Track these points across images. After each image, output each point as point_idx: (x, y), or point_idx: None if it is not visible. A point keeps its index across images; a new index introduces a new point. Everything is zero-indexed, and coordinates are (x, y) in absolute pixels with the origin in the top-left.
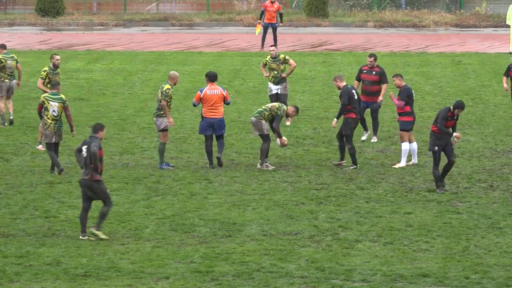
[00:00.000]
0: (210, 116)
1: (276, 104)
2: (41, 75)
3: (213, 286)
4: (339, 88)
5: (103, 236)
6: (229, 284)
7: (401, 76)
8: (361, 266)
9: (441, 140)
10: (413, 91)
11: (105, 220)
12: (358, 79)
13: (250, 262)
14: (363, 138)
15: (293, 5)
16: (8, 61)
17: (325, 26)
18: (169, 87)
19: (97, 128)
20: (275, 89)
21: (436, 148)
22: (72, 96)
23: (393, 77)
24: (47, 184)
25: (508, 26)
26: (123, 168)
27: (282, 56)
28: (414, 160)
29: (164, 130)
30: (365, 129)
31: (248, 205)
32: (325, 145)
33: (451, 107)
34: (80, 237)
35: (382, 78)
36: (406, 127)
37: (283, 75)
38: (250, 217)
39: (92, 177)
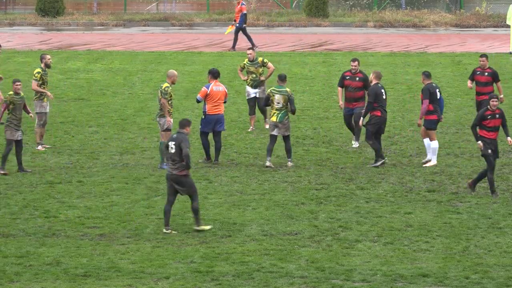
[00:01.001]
0: (214, 113)
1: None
2: (35, 77)
3: (213, 286)
4: (371, 82)
5: (207, 227)
6: (229, 284)
7: (425, 75)
8: (361, 266)
9: (490, 144)
10: (437, 90)
11: (199, 214)
12: (341, 85)
13: (250, 262)
14: (353, 145)
15: (293, 5)
16: None
17: (325, 26)
18: (168, 85)
19: (184, 123)
20: (253, 92)
21: (490, 151)
22: (72, 96)
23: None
24: (47, 184)
25: (508, 26)
26: (123, 168)
27: (260, 59)
28: (428, 157)
29: (167, 130)
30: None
31: (248, 205)
32: (325, 145)
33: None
34: (164, 230)
35: (366, 84)
36: (431, 126)
37: (262, 78)
38: (250, 217)
39: (181, 172)
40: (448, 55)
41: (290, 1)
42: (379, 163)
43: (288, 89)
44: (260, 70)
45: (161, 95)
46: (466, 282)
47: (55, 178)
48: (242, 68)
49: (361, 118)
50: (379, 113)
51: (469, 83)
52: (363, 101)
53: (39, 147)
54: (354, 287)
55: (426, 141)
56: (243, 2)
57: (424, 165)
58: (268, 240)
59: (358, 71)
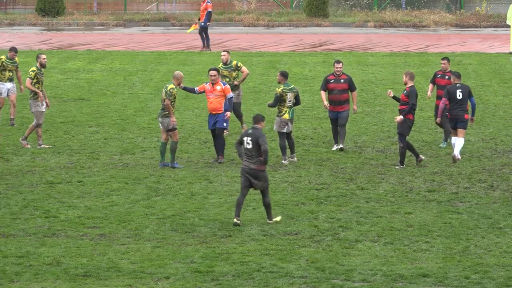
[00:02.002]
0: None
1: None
2: (30, 75)
3: (213, 286)
4: (405, 84)
5: (279, 219)
6: (229, 284)
7: (456, 75)
8: (361, 266)
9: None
10: (456, 90)
11: (271, 208)
12: (325, 89)
13: (250, 262)
14: (334, 148)
15: (293, 5)
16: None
17: (325, 26)
18: (173, 86)
19: (259, 119)
20: (228, 97)
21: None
22: (72, 96)
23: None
24: (47, 184)
25: (508, 26)
26: (123, 168)
27: (234, 62)
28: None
29: (173, 129)
30: (336, 141)
31: (248, 205)
32: (325, 145)
33: None
34: (234, 220)
35: (351, 85)
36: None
37: (235, 82)
38: (250, 217)
39: (259, 167)
40: (448, 55)
41: (290, 1)
42: (399, 167)
43: (293, 85)
44: (234, 74)
45: (166, 95)
46: (466, 282)
47: (55, 178)
48: (218, 72)
49: (401, 116)
50: (411, 117)
51: (430, 87)
52: (348, 104)
53: (43, 146)
54: (354, 287)
55: (458, 139)
56: (209, 0)
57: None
58: (268, 240)
59: (342, 73)
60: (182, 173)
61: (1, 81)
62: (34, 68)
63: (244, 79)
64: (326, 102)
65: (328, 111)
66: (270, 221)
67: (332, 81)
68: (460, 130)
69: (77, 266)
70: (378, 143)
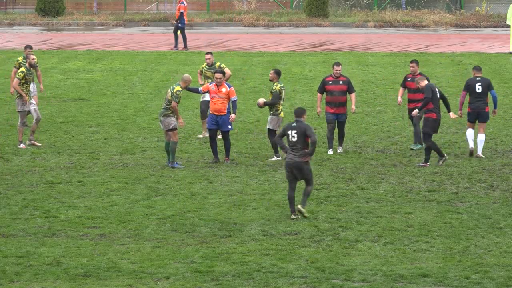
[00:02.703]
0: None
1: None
2: (19, 75)
3: (213, 286)
4: (421, 87)
5: (306, 214)
6: (229, 284)
7: (476, 69)
8: (361, 266)
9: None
10: (475, 84)
11: (308, 198)
12: (322, 91)
13: (250, 262)
14: (330, 152)
15: (293, 5)
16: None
17: (325, 26)
18: (180, 89)
19: (301, 112)
20: (208, 96)
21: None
22: (72, 96)
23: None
24: (47, 184)
25: (508, 26)
26: (123, 168)
27: (217, 64)
28: (479, 152)
29: (173, 129)
30: (331, 146)
31: (248, 205)
32: (325, 145)
33: None
34: (292, 216)
35: (349, 87)
36: (468, 118)
37: (202, 85)
38: (250, 217)
39: (304, 158)
40: (448, 55)
41: (290, 1)
42: (442, 161)
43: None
44: None
45: (172, 97)
46: (466, 282)
47: (55, 178)
48: (201, 72)
49: (417, 110)
50: (434, 116)
51: (400, 91)
52: (346, 107)
53: (22, 145)
54: (354, 287)
55: (479, 135)
56: (183, 1)
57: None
58: (268, 240)
59: (340, 75)
60: (182, 173)
61: None
62: (23, 69)
63: (226, 80)
64: (319, 109)
65: (326, 113)
66: (301, 208)
67: (331, 82)
68: (481, 124)
69: (77, 266)
70: (378, 143)
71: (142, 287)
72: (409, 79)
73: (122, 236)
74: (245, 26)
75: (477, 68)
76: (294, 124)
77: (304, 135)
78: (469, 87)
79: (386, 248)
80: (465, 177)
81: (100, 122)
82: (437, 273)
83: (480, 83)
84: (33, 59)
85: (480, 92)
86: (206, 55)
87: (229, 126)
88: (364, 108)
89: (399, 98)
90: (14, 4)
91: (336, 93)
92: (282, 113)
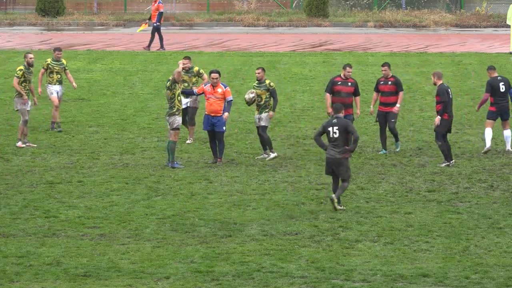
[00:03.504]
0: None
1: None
2: (17, 74)
3: (213, 286)
4: (435, 84)
5: (338, 207)
6: (229, 284)
7: (492, 69)
8: (361, 266)
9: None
10: (498, 83)
11: (344, 191)
12: (331, 91)
13: (250, 262)
14: None
15: (293, 5)
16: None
17: (325, 26)
18: (169, 78)
19: (340, 108)
20: (184, 102)
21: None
22: (72, 96)
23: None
24: (47, 184)
25: (508, 26)
26: (124, 168)
27: (196, 68)
28: (508, 147)
29: (176, 128)
30: None
31: (248, 205)
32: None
33: None
34: (338, 207)
35: (356, 89)
36: (489, 116)
37: (194, 88)
38: (250, 217)
39: (345, 155)
40: (448, 55)
41: (290, 1)
42: (445, 164)
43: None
44: (194, 79)
45: (167, 91)
46: (466, 282)
47: (55, 178)
48: None
49: (439, 117)
50: (446, 116)
51: (374, 96)
52: (352, 108)
53: (19, 143)
54: (354, 287)
55: (506, 132)
56: (160, 0)
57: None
58: (268, 240)
59: (349, 77)
60: (182, 173)
61: (51, 83)
62: (21, 67)
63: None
64: (330, 109)
65: (331, 115)
66: (334, 198)
67: (340, 83)
68: (505, 122)
69: (77, 266)
70: (378, 143)
71: (142, 287)
72: (381, 82)
73: (122, 236)
74: (245, 26)
75: (493, 68)
76: (334, 120)
77: (345, 131)
78: (492, 88)
79: (386, 248)
80: (465, 177)
81: (100, 122)
82: (437, 273)
83: (502, 83)
84: (31, 58)
85: (503, 92)
86: (184, 60)
87: (224, 128)
88: (364, 108)
89: (372, 108)
90: (14, 4)
91: (343, 94)
92: (271, 111)
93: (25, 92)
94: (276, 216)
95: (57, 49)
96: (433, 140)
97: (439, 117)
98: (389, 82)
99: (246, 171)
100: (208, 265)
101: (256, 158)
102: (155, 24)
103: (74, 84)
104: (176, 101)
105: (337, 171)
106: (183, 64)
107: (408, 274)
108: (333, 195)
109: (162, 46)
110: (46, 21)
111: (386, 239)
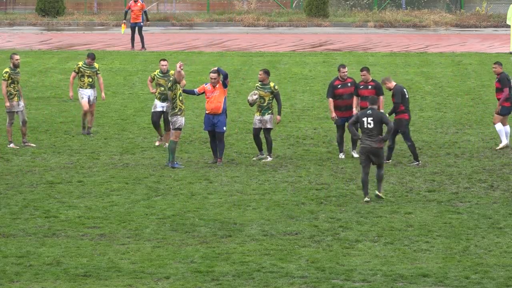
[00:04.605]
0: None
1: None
2: (3, 76)
3: (213, 286)
4: (390, 89)
5: (383, 196)
6: (229, 284)
7: (499, 64)
8: (361, 266)
9: None
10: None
11: (383, 182)
12: (333, 96)
13: (251, 262)
14: (341, 156)
15: (293, 5)
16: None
17: (325, 26)
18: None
19: (375, 100)
20: (160, 106)
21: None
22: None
23: (493, 64)
24: (47, 184)
25: (508, 26)
26: (124, 168)
27: (172, 72)
28: (505, 142)
29: (178, 129)
30: (342, 150)
31: (248, 205)
32: (325, 145)
33: None
34: (366, 199)
35: (356, 89)
36: (505, 112)
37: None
38: (250, 217)
39: (380, 144)
40: (448, 55)
41: (290, 1)
42: (415, 163)
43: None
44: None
45: (168, 91)
46: (466, 282)
47: (55, 178)
48: (152, 79)
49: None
50: (406, 116)
51: (355, 101)
52: (352, 110)
53: (11, 145)
54: (354, 287)
55: (498, 126)
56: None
57: (498, 149)
58: (268, 240)
59: (347, 77)
60: (182, 173)
61: (82, 87)
62: (7, 70)
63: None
64: (334, 114)
65: (335, 118)
66: (379, 193)
67: (340, 86)
68: (507, 117)
69: (77, 266)
70: None
71: (142, 287)
72: (361, 87)
73: (122, 236)
74: (245, 26)
75: (499, 63)
76: (369, 111)
77: (380, 122)
78: (509, 81)
79: (386, 248)
80: (465, 177)
81: (100, 122)
82: (437, 273)
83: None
84: (17, 59)
85: None
86: (162, 62)
87: (224, 128)
88: None
89: (354, 110)
90: (14, 4)
91: (346, 96)
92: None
93: (14, 93)
94: (276, 216)
95: (90, 55)
96: (433, 140)
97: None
98: (369, 87)
99: (246, 171)
100: (208, 265)
101: (253, 158)
102: (142, 23)
103: (103, 94)
104: (178, 101)
105: (375, 159)
106: (161, 65)
107: (408, 274)
108: (379, 193)
109: (133, 45)
110: (46, 21)
111: (386, 239)
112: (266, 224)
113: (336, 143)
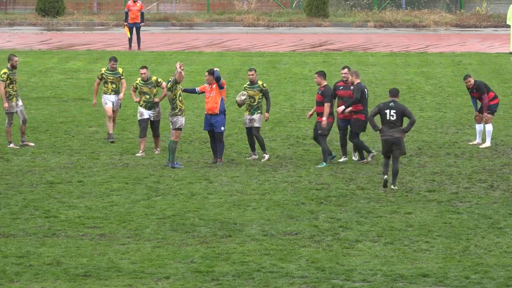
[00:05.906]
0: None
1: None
2: (2, 77)
3: (213, 286)
4: (352, 84)
5: (395, 187)
6: (229, 284)
7: (468, 76)
8: (361, 266)
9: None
10: None
11: (397, 176)
12: (334, 96)
13: (251, 262)
14: (342, 160)
15: (293, 5)
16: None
17: (325, 26)
18: (169, 79)
19: (396, 92)
20: (147, 114)
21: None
22: (72, 96)
23: None
24: (47, 184)
25: (508, 26)
26: (124, 168)
27: (154, 78)
28: (478, 140)
29: (178, 129)
30: (345, 153)
31: (248, 205)
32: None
33: None
34: (385, 177)
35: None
36: (494, 109)
37: (156, 100)
38: (250, 217)
39: (401, 135)
40: (448, 55)
41: (290, 1)
42: (371, 155)
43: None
44: (155, 90)
45: (168, 91)
46: (466, 282)
47: (55, 178)
48: (135, 89)
49: (343, 107)
50: (363, 117)
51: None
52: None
53: (11, 145)
54: (354, 287)
55: (479, 127)
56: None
57: (480, 147)
58: (268, 240)
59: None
60: (182, 173)
61: (106, 93)
62: (5, 70)
63: (164, 96)
64: (325, 120)
65: (337, 119)
66: (393, 187)
67: (341, 87)
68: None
69: (77, 266)
70: (378, 143)
71: (142, 287)
72: (341, 88)
73: (122, 236)
74: (245, 26)
75: (469, 75)
76: (391, 104)
77: (402, 114)
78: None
79: (386, 248)
80: (465, 177)
81: (100, 122)
82: (437, 273)
83: None
84: (16, 61)
85: None
86: (141, 70)
87: (222, 128)
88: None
89: (340, 111)
90: (14, 4)
91: (346, 98)
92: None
93: (13, 94)
94: (276, 216)
95: (113, 58)
96: (433, 140)
97: (343, 107)
98: (351, 87)
99: (246, 171)
100: (208, 265)
101: (246, 158)
102: (140, 24)
103: (121, 95)
104: (178, 101)
105: (395, 148)
106: (141, 73)
107: (408, 274)
108: (394, 187)
109: (132, 45)
110: (46, 21)
111: (386, 239)
112: (266, 224)
113: (339, 146)
